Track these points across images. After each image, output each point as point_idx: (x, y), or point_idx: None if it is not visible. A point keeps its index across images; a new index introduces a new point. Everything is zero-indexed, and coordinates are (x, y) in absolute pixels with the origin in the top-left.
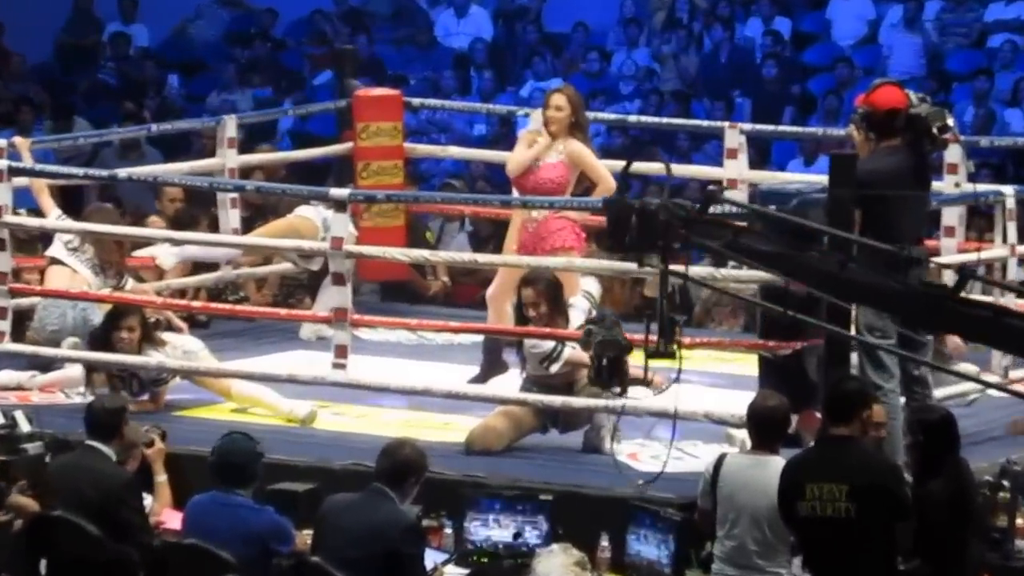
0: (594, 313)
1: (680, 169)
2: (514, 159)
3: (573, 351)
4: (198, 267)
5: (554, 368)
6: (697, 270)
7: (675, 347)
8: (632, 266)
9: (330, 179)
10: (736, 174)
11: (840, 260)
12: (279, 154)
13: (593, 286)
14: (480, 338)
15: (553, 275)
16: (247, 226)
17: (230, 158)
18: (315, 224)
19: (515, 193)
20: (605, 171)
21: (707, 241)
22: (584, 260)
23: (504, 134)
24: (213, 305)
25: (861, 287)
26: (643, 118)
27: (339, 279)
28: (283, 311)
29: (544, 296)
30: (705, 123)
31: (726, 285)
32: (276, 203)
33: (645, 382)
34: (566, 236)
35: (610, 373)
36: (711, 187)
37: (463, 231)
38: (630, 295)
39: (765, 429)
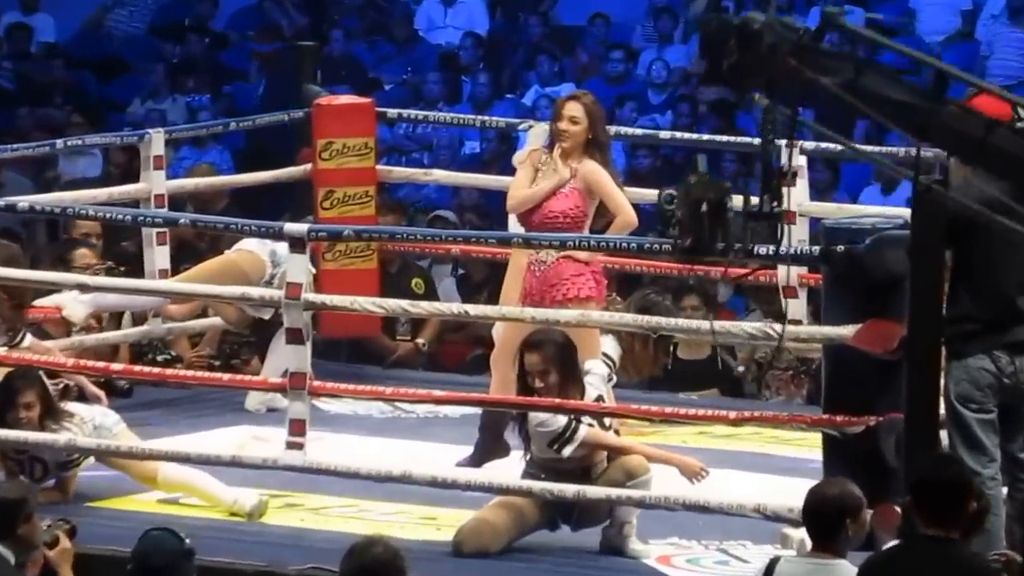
0: (615, 379)
1: None
2: (516, 194)
3: (591, 429)
4: (116, 319)
5: (567, 451)
6: (749, 325)
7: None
8: (665, 321)
9: (284, 210)
10: (795, 205)
11: (988, 122)
12: (220, 178)
13: (612, 347)
14: (470, 411)
15: (564, 335)
16: (176, 265)
17: (157, 182)
18: (261, 259)
19: (516, 228)
20: (625, 200)
21: (821, 77)
22: (605, 314)
23: (503, 152)
24: (137, 368)
25: (1010, 159)
26: (677, 134)
27: (295, 335)
28: (225, 376)
29: (553, 362)
30: (755, 140)
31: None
32: (213, 237)
33: None
34: (582, 284)
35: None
36: (829, 8)
37: (452, 275)
38: (654, 358)
39: (828, 526)
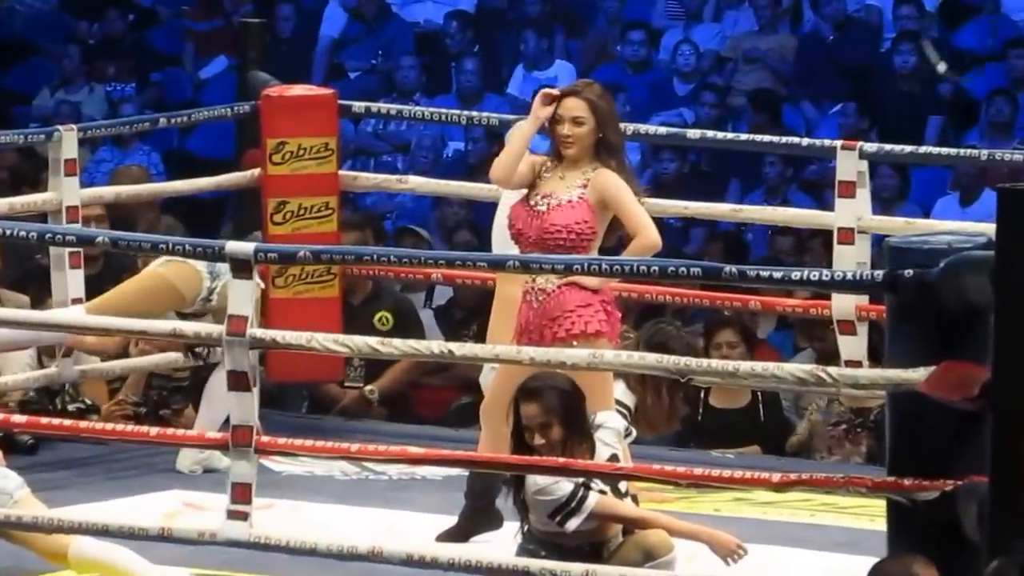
0: (633, 434)
1: (765, 213)
2: (500, 161)
3: (602, 498)
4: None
5: (572, 524)
6: (797, 367)
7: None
8: (696, 363)
9: (226, 224)
10: (853, 220)
11: None
12: (148, 186)
13: (624, 394)
14: (454, 472)
15: (569, 379)
16: (94, 288)
17: (69, 191)
18: (196, 270)
19: (508, 248)
20: (646, 217)
21: None
22: (622, 354)
23: (494, 155)
24: (43, 420)
25: None
26: (708, 133)
27: (239, 380)
28: (152, 429)
29: (556, 413)
30: (805, 141)
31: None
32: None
33: None
34: (590, 316)
35: None
36: None
37: (427, 307)
38: (670, 410)
39: None
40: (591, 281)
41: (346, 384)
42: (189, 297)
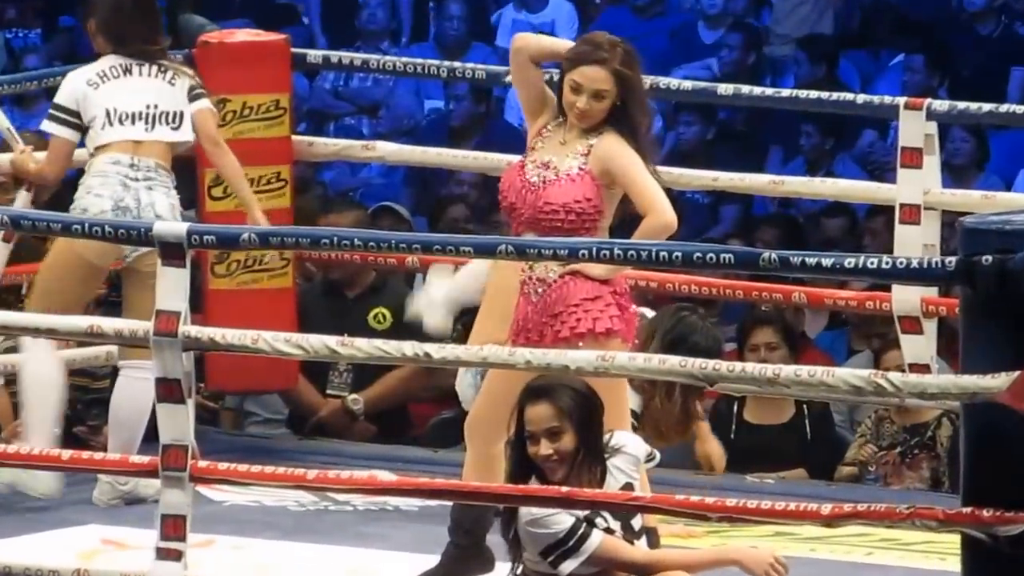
0: (656, 458)
1: (811, 187)
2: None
3: (607, 539)
4: None
5: (567, 567)
6: (851, 373)
7: None
8: (727, 368)
9: None
10: (918, 195)
11: None
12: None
13: (633, 399)
14: (434, 502)
15: (586, 385)
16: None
17: None
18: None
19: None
20: (656, 190)
21: None
22: (638, 357)
23: (481, 117)
24: None
25: None
26: (743, 88)
27: (171, 389)
28: (64, 452)
29: (570, 418)
30: (860, 98)
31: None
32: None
33: None
34: (599, 312)
35: None
36: None
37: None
38: (682, 415)
39: None
40: (598, 269)
41: (328, 393)
42: (104, 268)
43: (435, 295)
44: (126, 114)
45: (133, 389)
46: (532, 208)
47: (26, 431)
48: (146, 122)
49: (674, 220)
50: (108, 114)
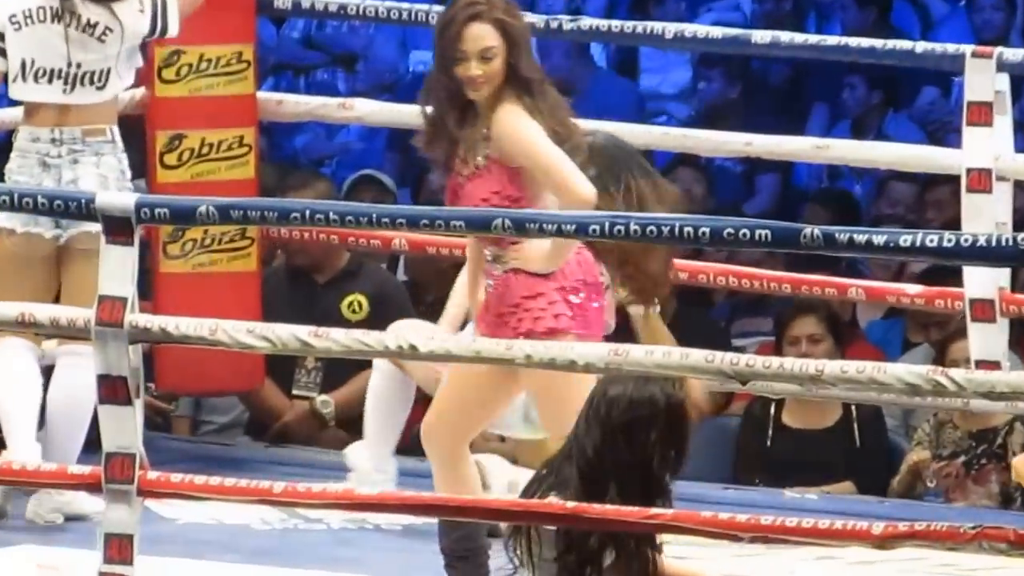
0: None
1: (862, 152)
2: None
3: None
4: None
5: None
6: (907, 370)
7: None
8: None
9: None
10: (989, 160)
11: None
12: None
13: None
14: (419, 521)
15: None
16: None
17: None
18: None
19: None
20: (562, 164)
21: None
22: (652, 351)
23: None
24: None
25: None
26: (782, 36)
27: (115, 389)
28: None
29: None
30: (919, 47)
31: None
32: None
33: None
34: (540, 312)
35: None
36: None
37: None
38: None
39: None
40: (537, 264)
41: (295, 394)
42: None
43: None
44: (43, 70)
45: (72, 382)
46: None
47: (45, 451)
48: (65, 82)
49: (592, 195)
50: (24, 66)
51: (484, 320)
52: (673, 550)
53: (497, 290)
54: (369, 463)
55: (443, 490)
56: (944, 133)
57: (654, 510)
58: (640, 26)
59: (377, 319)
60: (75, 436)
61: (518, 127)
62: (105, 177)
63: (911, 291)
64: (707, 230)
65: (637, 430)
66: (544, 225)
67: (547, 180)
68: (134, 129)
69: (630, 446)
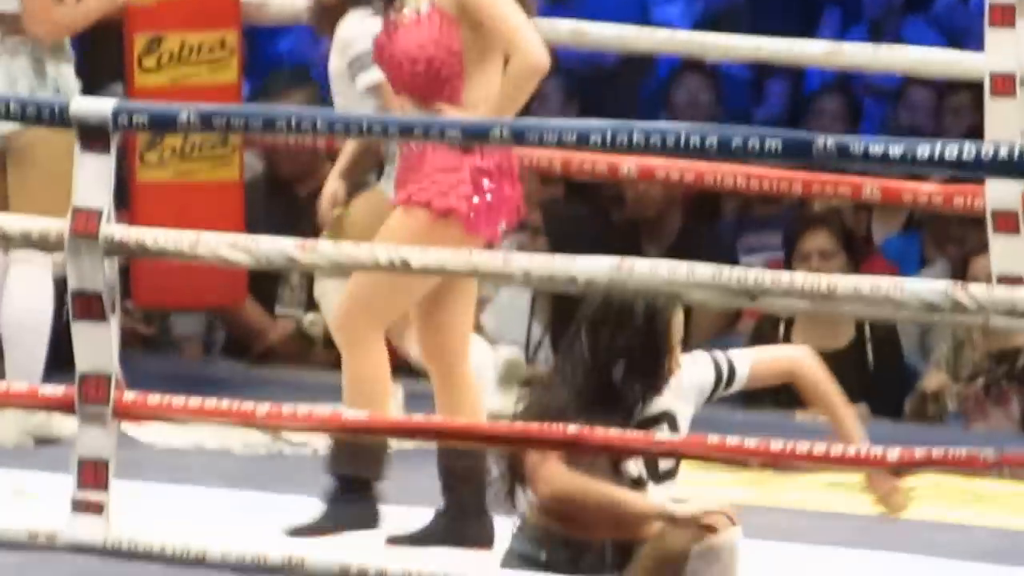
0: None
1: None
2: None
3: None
4: None
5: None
6: (925, 286)
7: None
8: (755, 276)
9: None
10: (1013, 63)
11: None
12: None
13: None
14: (409, 445)
15: None
16: None
17: None
18: None
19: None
20: (521, 22)
21: None
22: (657, 264)
23: None
24: None
25: None
26: None
27: (90, 305)
28: None
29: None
30: None
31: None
32: None
33: None
34: (448, 187)
35: None
36: None
37: None
38: None
39: None
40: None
41: (278, 313)
42: None
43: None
44: None
45: (29, 290)
46: (388, 61)
47: (8, 369)
48: None
49: (545, 62)
50: None
51: (399, 182)
52: (683, 475)
53: (413, 156)
54: None
55: (453, 405)
56: (963, 40)
57: (661, 436)
58: None
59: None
60: (39, 348)
61: None
62: (32, 88)
63: (927, 189)
64: (714, 140)
65: (602, 328)
66: (544, 135)
67: (501, 37)
68: (110, 31)
69: (594, 345)
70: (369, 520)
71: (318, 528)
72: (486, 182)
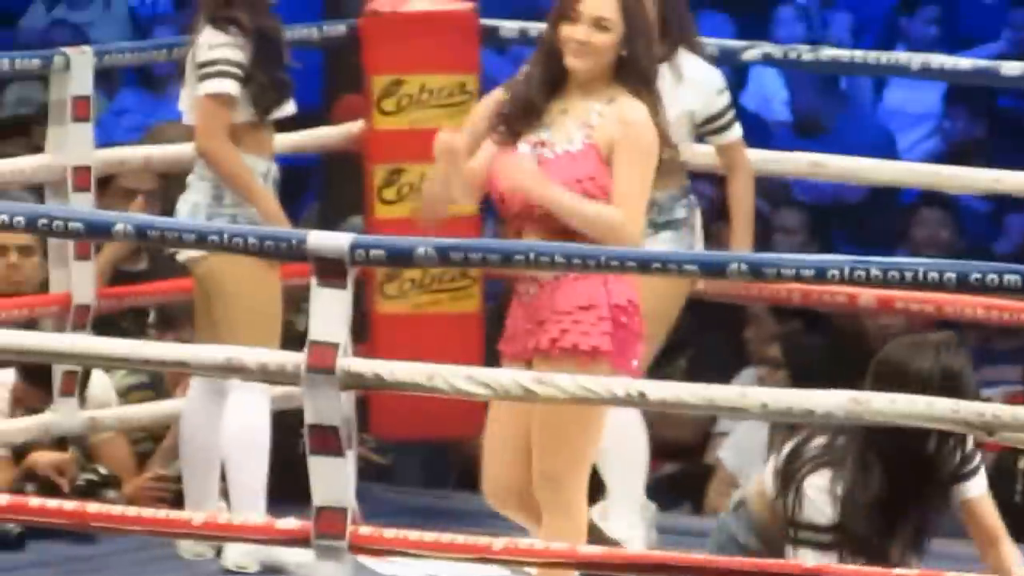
0: None
1: None
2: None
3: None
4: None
5: None
6: None
7: None
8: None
9: (308, 205)
10: None
11: None
12: (187, 146)
13: None
14: None
15: None
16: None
17: (78, 146)
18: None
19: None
20: (639, 198)
21: None
22: (895, 399)
23: None
24: (33, 501)
25: None
26: None
27: (325, 439)
28: (196, 515)
29: None
30: None
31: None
32: None
33: None
34: (589, 324)
35: None
36: None
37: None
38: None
39: None
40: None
41: None
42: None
43: None
44: None
45: (247, 414)
46: (524, 199)
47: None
48: None
49: (634, 243)
50: None
51: (518, 328)
52: None
53: (544, 295)
54: (626, 528)
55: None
56: None
57: (897, 571)
58: (884, 56)
59: None
60: (262, 477)
61: (646, 134)
62: (197, 204)
63: None
64: (953, 275)
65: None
66: (782, 271)
67: (617, 193)
68: (350, 164)
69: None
70: None
71: None
72: (623, 319)
